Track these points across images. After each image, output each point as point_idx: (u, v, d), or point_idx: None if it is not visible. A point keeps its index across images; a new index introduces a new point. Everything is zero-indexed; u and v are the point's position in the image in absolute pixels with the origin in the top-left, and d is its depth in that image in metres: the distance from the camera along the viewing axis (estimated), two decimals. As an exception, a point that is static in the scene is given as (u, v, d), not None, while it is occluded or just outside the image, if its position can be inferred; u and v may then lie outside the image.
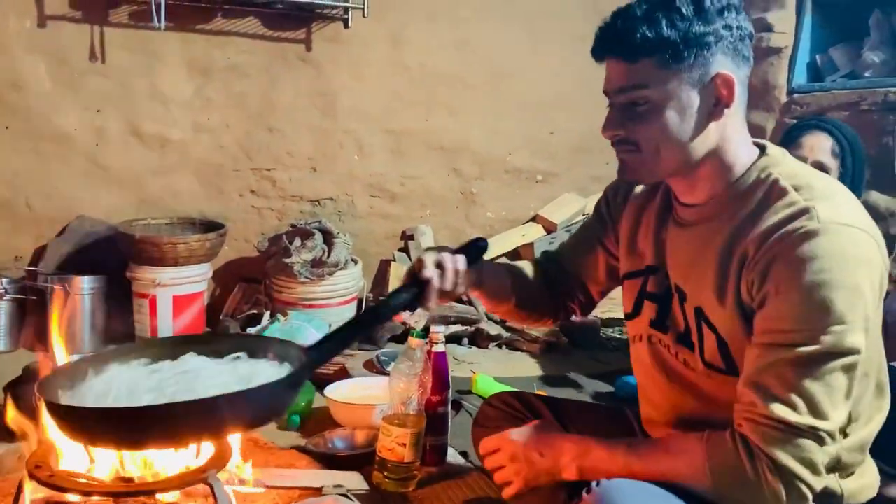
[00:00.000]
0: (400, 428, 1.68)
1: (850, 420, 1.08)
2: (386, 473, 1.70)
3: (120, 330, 2.89)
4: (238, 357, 1.31)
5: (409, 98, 3.42)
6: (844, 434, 1.08)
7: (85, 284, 2.79)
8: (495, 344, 3.11)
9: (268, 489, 1.64)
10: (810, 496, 0.99)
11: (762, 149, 1.14)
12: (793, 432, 0.97)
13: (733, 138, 1.11)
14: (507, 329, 3.17)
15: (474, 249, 1.36)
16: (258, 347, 1.34)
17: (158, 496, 1.37)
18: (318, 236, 3.04)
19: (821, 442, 0.98)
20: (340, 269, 3.01)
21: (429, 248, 1.31)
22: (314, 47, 3.25)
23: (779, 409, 0.97)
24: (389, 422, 1.69)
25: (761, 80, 3.27)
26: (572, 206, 3.60)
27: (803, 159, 1.95)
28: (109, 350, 1.55)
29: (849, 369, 0.99)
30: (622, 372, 2.52)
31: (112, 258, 2.90)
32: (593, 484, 1.04)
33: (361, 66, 3.33)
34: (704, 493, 1.03)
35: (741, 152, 1.12)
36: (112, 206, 3.09)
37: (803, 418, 0.97)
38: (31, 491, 1.32)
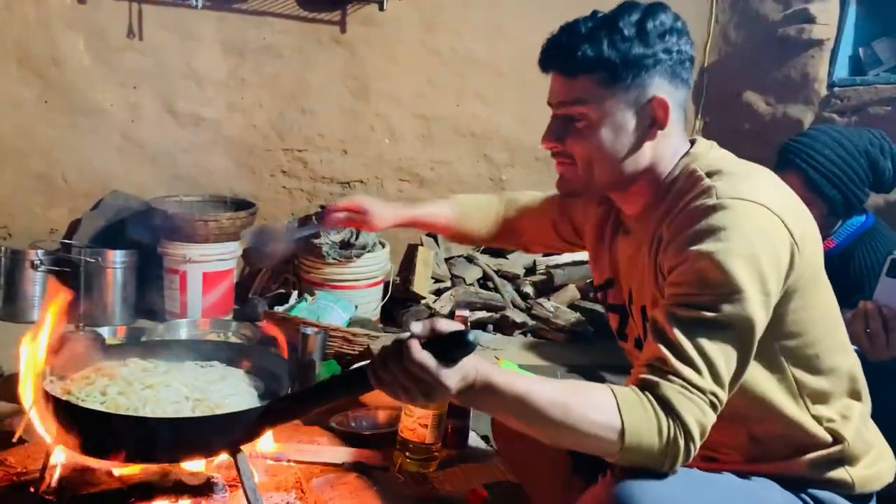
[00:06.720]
0: (422, 409, 1.68)
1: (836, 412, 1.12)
2: (407, 454, 1.71)
3: (150, 304, 2.94)
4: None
5: (441, 83, 3.41)
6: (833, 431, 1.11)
7: (117, 258, 2.84)
8: (520, 331, 3.11)
9: (290, 463, 1.65)
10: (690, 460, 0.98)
11: (691, 144, 1.16)
12: (699, 396, 0.96)
13: (667, 157, 1.14)
14: (533, 318, 3.16)
15: (456, 346, 0.95)
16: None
17: (182, 465, 1.39)
18: (347, 218, 3.05)
19: (715, 409, 0.98)
20: (368, 252, 3.03)
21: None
22: (348, 29, 3.25)
23: (687, 371, 0.97)
24: (412, 402, 1.70)
25: (801, 72, 3.20)
26: (602, 196, 3.56)
27: None
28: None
29: (744, 340, 0.99)
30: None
31: (144, 233, 2.94)
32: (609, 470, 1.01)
33: (395, 50, 3.33)
34: (604, 447, 0.97)
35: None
36: (145, 182, 3.13)
37: (706, 383, 0.97)
38: (58, 456, 1.36)
